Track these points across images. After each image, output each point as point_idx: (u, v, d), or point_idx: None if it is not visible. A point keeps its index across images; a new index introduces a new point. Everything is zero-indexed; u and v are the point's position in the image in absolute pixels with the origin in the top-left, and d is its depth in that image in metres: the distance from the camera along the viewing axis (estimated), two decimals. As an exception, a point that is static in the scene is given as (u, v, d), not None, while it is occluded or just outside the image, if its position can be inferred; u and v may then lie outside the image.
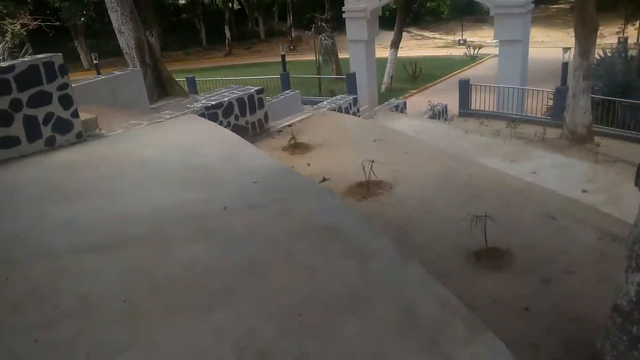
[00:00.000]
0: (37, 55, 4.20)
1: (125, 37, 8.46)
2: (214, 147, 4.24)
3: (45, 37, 27.00)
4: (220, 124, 5.79)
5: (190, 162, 3.85)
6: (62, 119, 4.27)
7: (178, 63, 30.34)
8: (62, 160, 3.96)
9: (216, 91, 9.44)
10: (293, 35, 36.03)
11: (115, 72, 7.63)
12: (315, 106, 12.01)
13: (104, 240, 2.62)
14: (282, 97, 10.57)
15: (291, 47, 34.92)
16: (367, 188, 4.57)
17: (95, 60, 16.06)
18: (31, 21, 23.92)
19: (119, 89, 7.48)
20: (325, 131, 6.55)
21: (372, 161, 4.54)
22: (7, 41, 20.66)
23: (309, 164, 5.41)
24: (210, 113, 5.67)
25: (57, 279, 2.27)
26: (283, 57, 14.94)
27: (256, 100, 6.33)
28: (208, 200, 3.13)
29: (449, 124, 10.65)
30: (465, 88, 12.54)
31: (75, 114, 4.38)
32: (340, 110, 7.87)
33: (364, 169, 4.50)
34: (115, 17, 8.43)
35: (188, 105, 5.72)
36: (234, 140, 4.49)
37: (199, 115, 5.47)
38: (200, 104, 5.72)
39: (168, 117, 5.26)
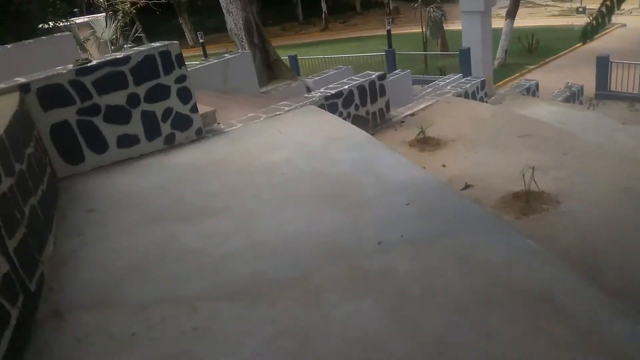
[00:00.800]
0: (153, 44, 3.84)
1: (233, 16, 8.11)
2: (344, 149, 3.64)
3: (152, 15, 28.16)
4: (340, 114, 5.19)
5: (320, 171, 3.28)
6: (181, 115, 3.90)
7: (275, 39, 30.21)
8: (183, 163, 3.58)
9: (324, 72, 8.88)
10: (391, 7, 34.39)
11: (225, 55, 7.31)
12: (427, 86, 11.08)
13: (241, 285, 2.12)
14: (392, 77, 9.76)
15: (389, 20, 33.46)
16: (525, 201, 3.75)
17: (201, 39, 16.18)
18: None
19: (230, 73, 7.16)
20: (455, 122, 5.72)
21: (533, 168, 3.70)
22: (119, 19, 21.68)
23: (444, 165, 4.66)
24: (330, 103, 5.08)
25: (193, 344, 1.80)
26: (389, 32, 13.96)
27: (377, 87, 5.63)
28: (353, 228, 2.54)
29: (594, 110, 9.18)
30: (603, 65, 10.81)
31: (195, 109, 3.99)
32: (466, 95, 6.95)
33: (523, 178, 3.68)
34: (225, -5, 8.11)
35: (306, 95, 5.17)
36: (364, 139, 3.87)
37: (318, 106, 4.90)
38: (319, 93, 5.15)
39: (287, 108, 4.75)
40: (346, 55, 16.23)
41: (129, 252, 2.43)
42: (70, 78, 3.33)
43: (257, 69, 7.73)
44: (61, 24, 19.56)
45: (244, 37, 8.29)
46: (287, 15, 36.14)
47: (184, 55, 4.10)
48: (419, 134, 5.21)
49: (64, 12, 18.75)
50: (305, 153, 3.64)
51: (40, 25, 13.94)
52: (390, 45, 14.21)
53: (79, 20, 23.63)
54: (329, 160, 3.45)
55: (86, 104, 3.41)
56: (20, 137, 2.65)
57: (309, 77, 8.65)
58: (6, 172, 2.04)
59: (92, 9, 26.14)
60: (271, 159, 3.56)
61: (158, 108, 3.76)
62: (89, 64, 3.44)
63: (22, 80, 3.20)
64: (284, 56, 14.98)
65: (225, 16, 8.43)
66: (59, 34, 5.45)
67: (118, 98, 3.54)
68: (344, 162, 3.40)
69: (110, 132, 3.55)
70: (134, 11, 24.42)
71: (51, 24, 16.94)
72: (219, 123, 4.47)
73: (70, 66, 3.42)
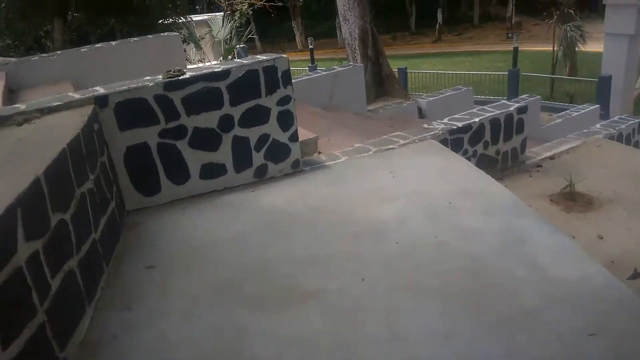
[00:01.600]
0: (258, 57, 3.21)
1: (349, 25, 7.45)
2: (480, 213, 2.74)
3: (266, 17, 28.75)
4: (464, 153, 4.27)
5: (449, 246, 2.42)
6: (279, 143, 3.25)
7: (384, 48, 29.51)
8: (272, 206, 2.91)
9: (440, 93, 7.92)
10: (513, 21, 32.09)
11: (335, 67, 6.65)
12: (556, 116, 9.65)
13: None
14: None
15: (509, 35, 31.21)
16: None
17: (311, 45, 15.84)
18: (258, 1, 25.46)
19: (337, 87, 6.48)
20: (610, 175, 4.54)
21: None
22: (235, 20, 22.18)
23: (600, 237, 3.57)
24: (454, 139, 4.18)
25: None
26: (516, 50, 12.50)
27: (515, 122, 4.62)
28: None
29: None
30: None
31: (295, 137, 3.32)
32: (620, 138, 5.65)
33: None
34: (342, 2, 7.46)
35: (426, 126, 4.30)
36: (507, 200, 2.93)
37: (440, 141, 4.03)
38: (442, 125, 4.26)
39: (402, 141, 3.93)
40: (460, 72, 15.01)
41: (180, 348, 1.77)
42: (156, 92, 2.80)
43: (366, 83, 6.98)
44: (180, 21, 20.38)
45: (357, 48, 7.60)
46: (398, 24, 35.16)
47: (292, 58, 3.46)
48: (565, 188, 4.13)
49: (184, 9, 19.49)
50: (425, 211, 2.79)
51: (161, 21, 14.43)
52: (515, 64, 12.76)
53: (198, 17, 24.66)
54: (459, 229, 2.58)
55: (171, 124, 2.86)
56: (84, 162, 2.12)
57: (423, 96, 7.75)
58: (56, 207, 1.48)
59: (212, 7, 27.26)
60: (380, 213, 2.77)
61: (253, 134, 3.13)
62: (180, 77, 2.89)
63: (100, 91, 2.71)
64: (392, 67, 14.14)
65: (341, 24, 7.80)
66: (166, 33, 5.09)
67: (209, 120, 2.96)
68: (482, 235, 2.51)
69: (195, 159, 2.97)
70: (250, 12, 25.02)
71: (170, 19, 17.64)
72: (319, 153, 3.78)
73: (160, 77, 2.89)
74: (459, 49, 29.07)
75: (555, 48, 14.94)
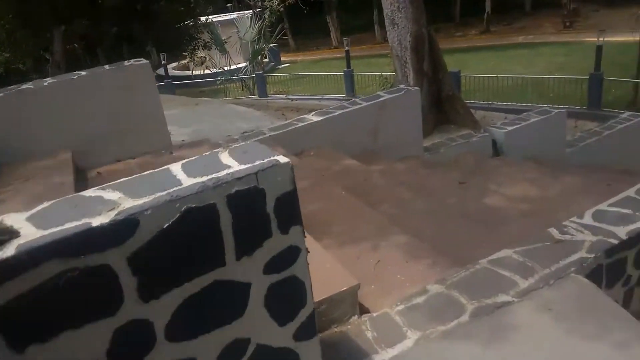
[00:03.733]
0: (221, 173, 1.41)
1: (398, 30, 5.54)
2: None
3: (299, 12, 26.93)
4: (626, 282, 2.34)
5: None
6: (270, 352, 1.44)
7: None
8: None
9: (521, 120, 5.89)
10: (571, 7, 28.98)
11: (380, 94, 4.77)
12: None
13: None
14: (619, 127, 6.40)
15: (567, 24, 28.20)
16: None
17: (347, 46, 13.90)
18: (289, -3, 23.63)
19: (383, 122, 4.63)
20: None
21: None
22: (265, 18, 20.46)
23: None
24: (611, 263, 2.24)
25: None
26: (599, 48, 10.13)
27: None
28: None
29: None
30: None
31: (308, 329, 1.51)
32: None
33: None
34: (390, 1, 5.56)
35: (559, 238, 2.38)
36: None
37: (586, 275, 2.11)
38: (588, 239, 2.32)
39: (521, 284, 2.05)
40: (523, 75, 12.75)
41: None
42: None
43: (422, 108, 5.04)
44: (200, 22, 18.81)
45: (408, 61, 5.68)
46: (440, 15, 32.46)
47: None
48: None
49: (204, 9, 17.95)
50: None
51: (178, 25, 12.91)
52: (598, 67, 10.31)
53: (223, 17, 23.07)
54: None
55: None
56: None
57: (497, 123, 5.75)
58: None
59: (240, 5, 25.63)
60: None
61: (206, 347, 1.34)
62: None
63: None
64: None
65: (387, 28, 5.90)
66: (130, 62, 3.37)
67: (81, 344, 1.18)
68: None
69: None
70: (281, 9, 23.26)
71: (189, 22, 16.14)
72: (360, 316, 1.94)
73: None
74: (511, 41, 26.31)
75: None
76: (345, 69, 13.92)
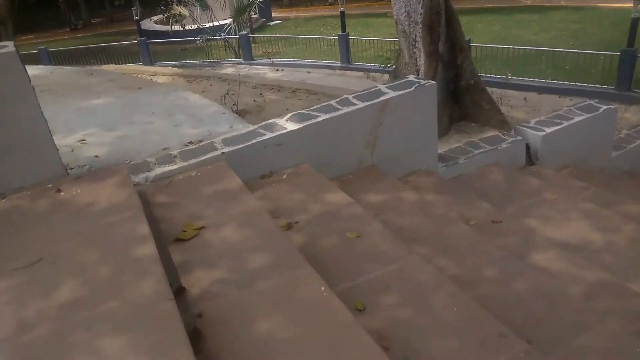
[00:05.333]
0: None
1: (406, -1, 4.11)
2: None
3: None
4: None
5: None
6: None
7: None
8: None
9: (562, 118, 4.54)
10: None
11: (381, 88, 3.46)
12: None
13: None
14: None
15: (580, -15, 26.13)
16: None
17: (341, 6, 12.01)
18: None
19: (384, 127, 3.36)
20: None
21: None
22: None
23: None
24: None
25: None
26: (635, 21, 8.60)
27: None
28: None
29: None
30: None
31: None
32: None
33: None
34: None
35: None
36: None
37: None
38: None
39: None
40: (548, 47, 11.26)
41: None
42: None
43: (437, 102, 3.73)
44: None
45: (418, 39, 4.30)
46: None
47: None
48: None
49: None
50: None
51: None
52: (632, 42, 8.77)
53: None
54: None
55: None
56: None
57: (531, 122, 4.47)
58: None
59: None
60: None
61: None
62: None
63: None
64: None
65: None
66: None
67: None
68: None
69: None
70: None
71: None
72: None
73: None
74: (520, 3, 24.44)
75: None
76: (339, 33, 12.34)
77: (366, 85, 10.53)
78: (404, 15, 4.30)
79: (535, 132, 4.30)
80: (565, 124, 4.39)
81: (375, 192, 3.13)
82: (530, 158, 4.36)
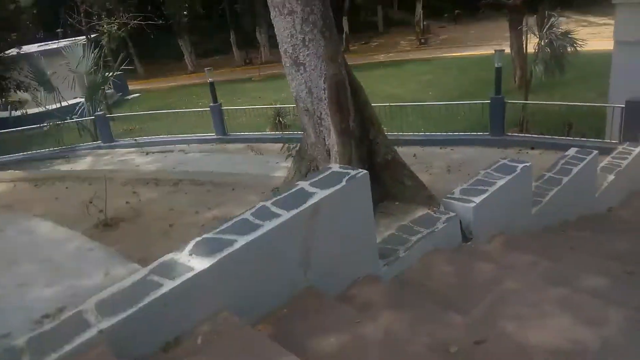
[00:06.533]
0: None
1: (306, 74, 3.52)
2: None
3: (146, 35, 23.66)
4: None
5: None
6: None
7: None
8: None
9: (486, 183, 4.22)
10: (423, 24, 29.99)
11: (305, 187, 2.72)
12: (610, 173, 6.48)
13: None
14: (577, 166, 5.22)
15: (421, 40, 29.02)
16: None
17: (210, 77, 11.43)
18: (131, 19, 20.46)
19: (318, 237, 2.58)
20: None
21: None
22: (102, 46, 17.09)
23: None
24: None
25: None
26: (498, 70, 9.05)
27: None
28: None
29: None
30: None
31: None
32: None
33: None
34: (288, 26, 3.48)
35: None
36: None
37: None
38: None
39: None
40: (414, 102, 11.69)
41: None
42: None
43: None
44: (17, 53, 15.04)
45: (324, 116, 3.71)
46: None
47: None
48: None
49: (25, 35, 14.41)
50: None
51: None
52: (499, 90, 9.19)
53: (48, 47, 19.09)
54: None
55: None
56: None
57: (455, 192, 4.05)
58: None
59: (69, 32, 21.51)
60: None
61: None
62: None
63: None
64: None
65: (287, 69, 3.83)
66: None
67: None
68: None
69: None
70: (122, 34, 19.90)
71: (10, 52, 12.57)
72: None
73: None
74: (372, 60, 26.15)
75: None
76: (211, 104, 11.56)
77: (256, 162, 9.66)
78: (305, 92, 3.68)
79: (465, 205, 3.89)
80: (491, 189, 4.05)
81: (324, 333, 2.32)
82: (464, 233, 3.92)
